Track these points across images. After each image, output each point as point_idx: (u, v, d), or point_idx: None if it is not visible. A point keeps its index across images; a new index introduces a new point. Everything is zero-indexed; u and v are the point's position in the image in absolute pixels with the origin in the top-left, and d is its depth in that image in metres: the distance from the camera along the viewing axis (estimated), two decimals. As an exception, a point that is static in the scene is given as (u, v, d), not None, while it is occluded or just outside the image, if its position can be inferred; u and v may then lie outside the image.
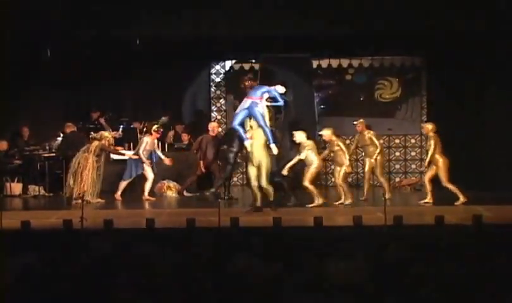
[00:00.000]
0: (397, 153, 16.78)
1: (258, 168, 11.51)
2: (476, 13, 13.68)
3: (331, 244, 6.73)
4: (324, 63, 16.75)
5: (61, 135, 15.12)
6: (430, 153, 12.43)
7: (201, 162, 13.87)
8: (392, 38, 15.10)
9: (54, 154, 14.84)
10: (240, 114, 11.76)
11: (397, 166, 16.75)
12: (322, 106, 16.41)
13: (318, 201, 12.08)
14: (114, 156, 14.96)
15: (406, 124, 16.74)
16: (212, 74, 17.11)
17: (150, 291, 5.47)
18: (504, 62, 14.70)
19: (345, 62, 16.80)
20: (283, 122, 14.70)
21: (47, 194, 14.40)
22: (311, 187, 12.22)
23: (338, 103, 16.62)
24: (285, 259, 6.23)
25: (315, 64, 16.56)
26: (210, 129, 14.14)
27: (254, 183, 11.54)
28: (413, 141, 16.75)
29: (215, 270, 5.91)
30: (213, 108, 16.97)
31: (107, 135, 13.67)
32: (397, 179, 16.32)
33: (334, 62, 16.77)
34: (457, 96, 15.97)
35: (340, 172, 12.36)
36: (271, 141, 11.56)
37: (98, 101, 16.83)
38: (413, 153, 16.75)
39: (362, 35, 14.81)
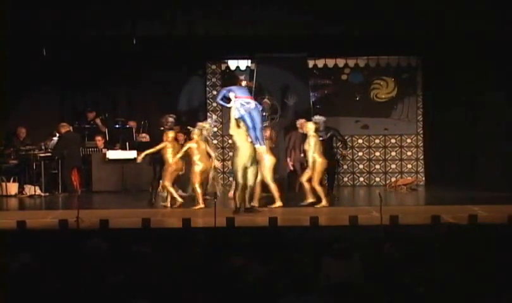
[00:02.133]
0: (393, 153, 16.78)
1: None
2: (472, 14, 13.69)
3: (327, 244, 6.73)
4: (320, 63, 16.74)
5: (57, 135, 15.10)
6: (310, 153, 12.32)
7: (289, 159, 13.52)
8: (388, 38, 15.10)
9: (49, 154, 14.81)
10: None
11: (393, 166, 16.74)
12: (317, 106, 16.39)
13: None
14: (109, 156, 14.96)
15: (401, 124, 16.73)
16: (207, 74, 17.08)
17: (146, 291, 5.47)
18: (499, 62, 14.73)
19: (341, 62, 16.78)
20: (278, 123, 14.72)
21: (42, 194, 14.37)
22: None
23: (334, 103, 16.60)
24: (281, 258, 6.23)
25: (310, 63, 16.53)
26: (298, 125, 13.37)
27: (251, 183, 11.49)
28: (408, 140, 16.74)
29: (212, 270, 5.91)
30: (209, 108, 16.95)
31: (205, 125, 12.95)
32: (393, 179, 16.32)
33: (330, 62, 16.75)
34: (452, 96, 15.99)
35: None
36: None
37: (94, 101, 16.83)
38: (409, 153, 16.75)
39: (358, 34, 14.81)
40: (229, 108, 11.69)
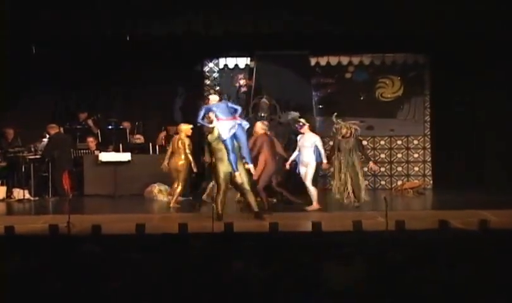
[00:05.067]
0: (399, 155, 16.80)
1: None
2: (483, 10, 13.67)
3: (330, 250, 6.73)
4: (323, 60, 16.75)
5: (47, 136, 15.10)
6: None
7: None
8: (394, 34, 15.10)
9: (39, 156, 14.82)
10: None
11: (399, 168, 16.76)
12: (320, 106, 16.41)
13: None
14: (102, 158, 14.96)
15: (408, 125, 16.75)
16: (204, 72, 17.09)
17: (141, 299, 5.47)
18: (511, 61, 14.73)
19: (345, 60, 16.80)
20: (277, 124, 14.72)
21: (32, 198, 14.37)
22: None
23: (337, 103, 16.56)
24: (282, 266, 6.23)
25: (313, 61, 16.56)
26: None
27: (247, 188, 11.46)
28: (415, 142, 16.76)
29: (209, 277, 5.91)
30: (207, 107, 16.93)
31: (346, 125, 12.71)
32: (399, 182, 16.33)
33: (333, 60, 16.77)
34: (461, 95, 15.99)
35: None
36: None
37: (86, 101, 16.84)
38: (415, 155, 16.77)
39: (363, 31, 14.80)
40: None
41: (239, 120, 11.29)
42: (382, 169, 16.76)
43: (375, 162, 14.24)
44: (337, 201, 12.73)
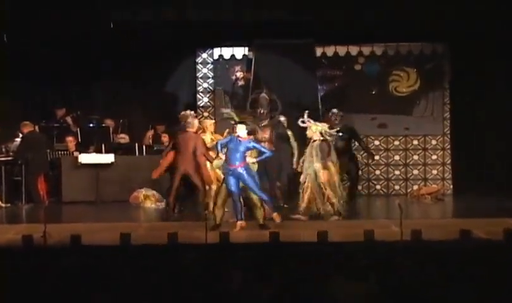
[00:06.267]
0: (416, 157, 16.80)
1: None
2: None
3: (338, 263, 6.75)
4: (329, 50, 16.75)
5: (20, 135, 15.09)
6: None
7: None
8: (410, 21, 15.09)
9: (11, 158, 14.81)
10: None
11: (416, 172, 16.76)
12: (326, 101, 16.41)
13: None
14: (82, 160, 14.95)
15: (425, 123, 16.74)
16: (197, 63, 17.10)
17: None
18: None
19: (354, 50, 16.79)
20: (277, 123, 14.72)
21: (3, 205, 14.37)
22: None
23: (346, 98, 16.60)
24: (284, 280, 6.24)
25: (319, 51, 16.56)
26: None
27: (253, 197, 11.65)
28: (433, 142, 16.76)
29: (202, 293, 5.92)
30: (200, 103, 16.96)
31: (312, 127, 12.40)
32: (416, 187, 16.33)
33: (341, 50, 16.77)
34: (484, 89, 15.97)
35: None
36: None
37: (65, 96, 16.82)
38: (433, 157, 16.77)
39: (374, 17, 14.82)
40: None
41: (242, 167, 11.38)
42: (397, 172, 16.76)
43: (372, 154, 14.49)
44: (345, 210, 12.72)
